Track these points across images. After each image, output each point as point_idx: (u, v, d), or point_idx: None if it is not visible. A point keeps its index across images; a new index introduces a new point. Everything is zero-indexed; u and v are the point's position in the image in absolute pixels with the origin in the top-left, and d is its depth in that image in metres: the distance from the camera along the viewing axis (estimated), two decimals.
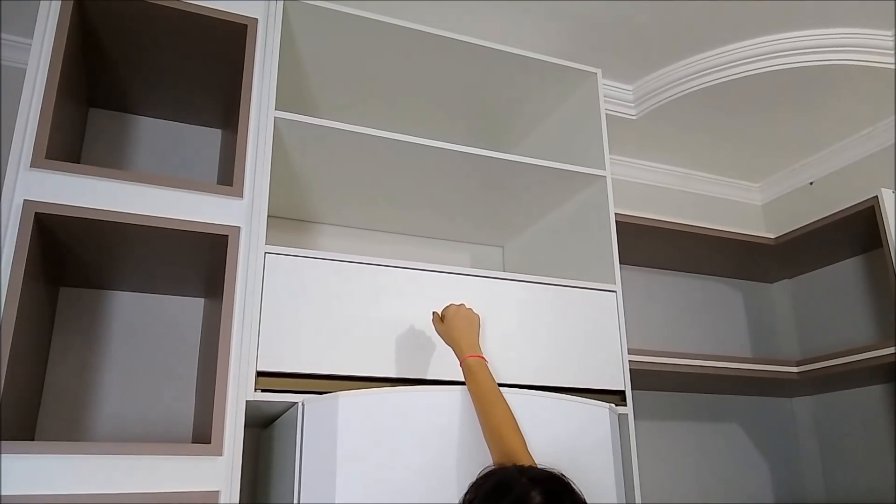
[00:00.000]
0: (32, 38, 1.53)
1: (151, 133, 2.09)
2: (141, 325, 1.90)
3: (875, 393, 2.48)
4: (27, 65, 1.51)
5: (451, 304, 1.58)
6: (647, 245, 2.45)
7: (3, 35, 2.01)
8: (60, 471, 1.30)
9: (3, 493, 1.25)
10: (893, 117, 2.53)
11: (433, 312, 1.61)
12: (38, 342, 1.67)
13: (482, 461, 1.31)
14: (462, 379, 1.47)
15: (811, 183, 2.87)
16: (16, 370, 1.38)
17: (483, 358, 1.48)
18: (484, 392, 1.42)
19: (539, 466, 1.21)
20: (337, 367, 1.55)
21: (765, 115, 2.56)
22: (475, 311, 1.58)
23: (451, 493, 1.35)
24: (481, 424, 1.41)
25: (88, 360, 1.83)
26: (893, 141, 2.55)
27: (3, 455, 1.27)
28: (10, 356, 1.31)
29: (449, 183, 2.01)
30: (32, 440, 1.66)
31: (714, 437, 2.61)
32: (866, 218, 2.20)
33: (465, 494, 1.15)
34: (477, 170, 1.95)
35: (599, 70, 2.15)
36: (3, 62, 2.02)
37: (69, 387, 1.79)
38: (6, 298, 1.34)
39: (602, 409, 1.65)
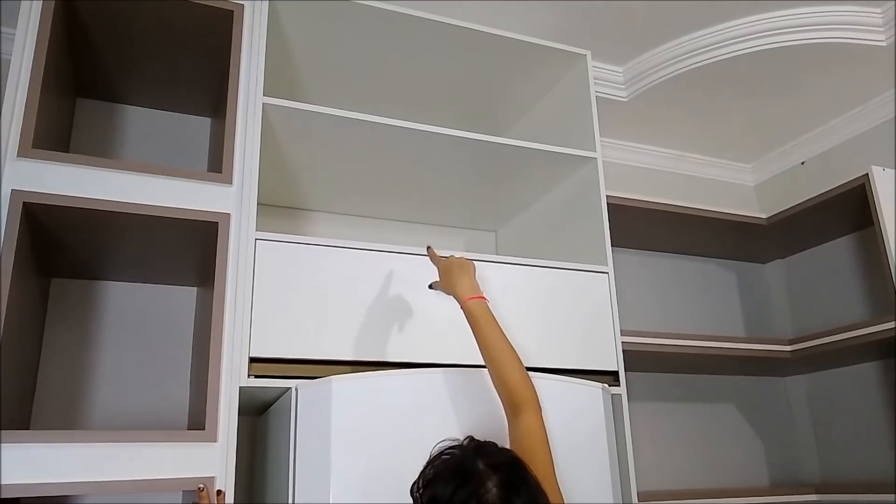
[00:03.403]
0: (16, 28, 1.52)
1: (140, 122, 2.08)
2: (134, 315, 1.90)
3: (868, 370, 2.49)
4: (11, 55, 1.50)
5: (441, 258, 1.58)
6: (640, 227, 2.45)
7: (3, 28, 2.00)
8: (56, 459, 1.30)
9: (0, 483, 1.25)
10: (883, 95, 2.53)
11: (428, 248, 1.61)
12: (31, 333, 1.67)
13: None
14: (455, 360, 1.48)
15: (803, 163, 2.87)
16: (9, 361, 1.38)
17: (482, 297, 1.46)
18: (489, 339, 1.40)
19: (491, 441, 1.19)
20: (330, 351, 1.56)
21: (756, 95, 2.55)
22: (467, 258, 1.57)
23: None
24: (490, 373, 1.39)
25: (82, 350, 1.83)
26: (884, 119, 2.55)
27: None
28: (1, 347, 1.31)
29: (441, 168, 2.01)
30: (28, 430, 1.66)
31: (708, 418, 2.62)
32: (857, 196, 2.20)
33: (424, 468, 1.13)
34: (468, 154, 1.95)
35: (589, 52, 2.15)
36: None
37: (63, 377, 1.79)
38: None
39: (595, 388, 1.66)
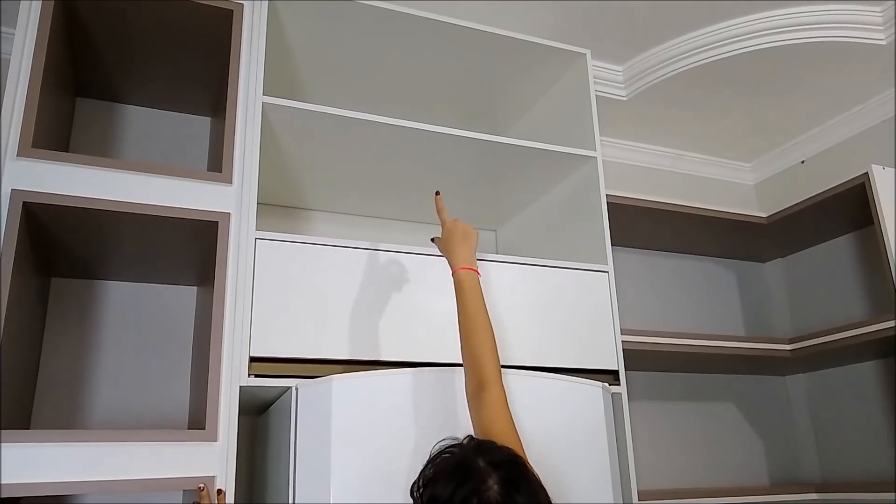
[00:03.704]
0: (16, 27, 1.52)
1: (140, 122, 2.08)
2: (134, 314, 1.90)
3: (867, 369, 2.49)
4: (11, 55, 1.50)
5: (445, 218, 1.58)
6: (640, 226, 2.45)
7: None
8: (56, 458, 1.30)
9: (0, 482, 1.26)
10: (883, 94, 2.53)
11: (438, 200, 1.61)
12: (32, 333, 1.67)
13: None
14: (455, 361, 1.48)
15: (803, 162, 2.87)
16: (9, 360, 1.38)
17: (475, 270, 1.47)
18: (470, 311, 1.41)
19: (485, 439, 1.19)
20: (330, 351, 1.56)
21: (755, 94, 2.55)
22: (473, 227, 1.56)
23: None
24: (461, 345, 1.39)
25: (82, 349, 1.83)
26: (884, 118, 2.55)
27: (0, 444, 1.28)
28: (2, 347, 1.31)
29: (440, 167, 2.01)
30: (28, 429, 1.66)
31: (708, 417, 2.62)
32: (857, 195, 2.20)
33: (424, 467, 1.12)
34: (468, 153, 1.95)
35: (589, 51, 2.15)
36: None
37: (64, 376, 1.79)
38: None
39: (595, 388, 1.66)
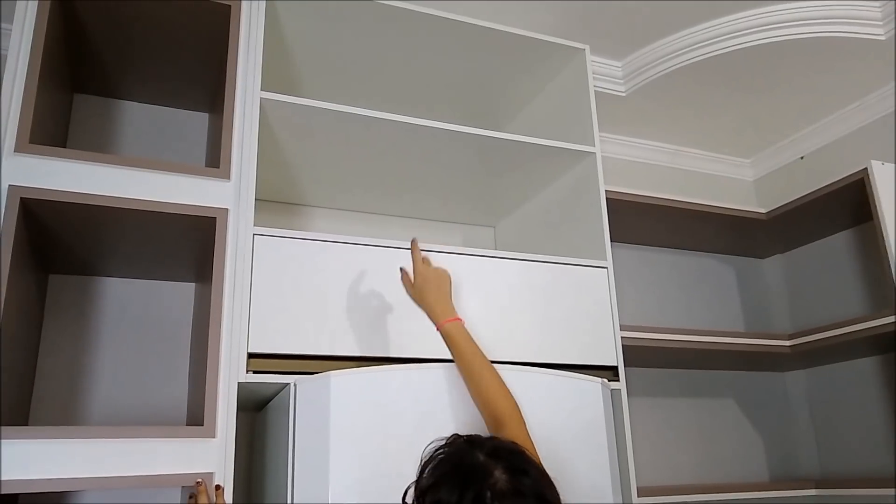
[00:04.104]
0: (13, 23, 1.52)
1: (138, 118, 2.07)
2: (132, 311, 1.90)
3: (867, 365, 2.49)
4: (7, 50, 1.49)
5: (418, 265, 1.55)
6: (639, 222, 2.45)
7: None
8: (55, 455, 1.30)
9: None
10: (883, 90, 2.52)
11: (401, 269, 1.58)
12: (29, 329, 1.67)
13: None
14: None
15: (802, 157, 2.87)
16: (7, 357, 1.38)
17: (459, 319, 1.47)
18: (467, 358, 1.41)
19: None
20: (328, 347, 1.56)
21: (754, 89, 2.55)
22: (443, 268, 1.55)
23: None
24: (469, 391, 1.40)
25: (80, 346, 1.83)
26: (883, 114, 2.55)
27: None
28: (1, 343, 1.31)
29: (439, 163, 2.01)
30: (26, 426, 1.66)
31: (707, 413, 2.62)
32: (856, 190, 2.20)
33: (420, 477, 1.07)
34: (467, 149, 1.95)
35: (587, 46, 2.15)
36: None
37: (62, 373, 1.79)
38: None
39: (595, 383, 1.66)
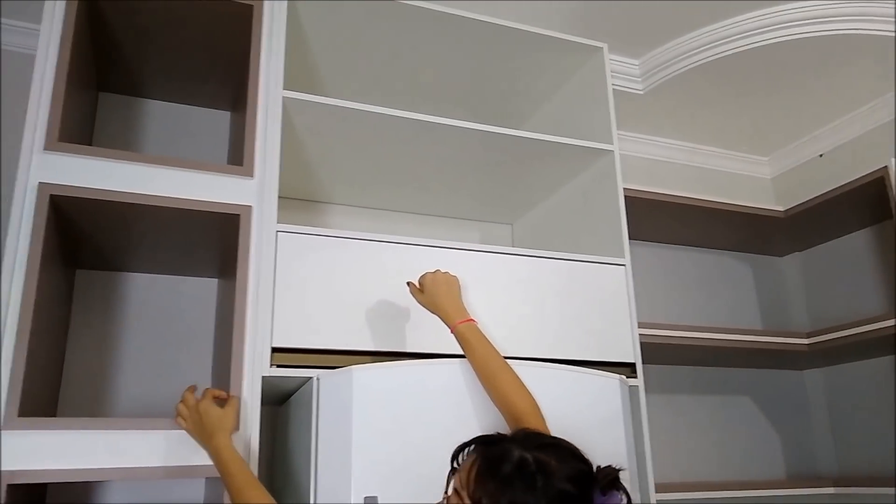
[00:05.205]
0: (41, 24, 1.55)
1: (161, 116, 2.10)
2: (157, 306, 1.93)
3: (886, 364, 2.48)
4: (36, 50, 1.52)
5: (426, 273, 1.57)
6: (657, 220, 2.45)
7: (13, 22, 2.03)
8: (82, 445, 1.33)
9: (27, 468, 1.28)
10: None
11: (408, 283, 1.59)
12: (58, 323, 1.70)
13: (496, 430, 1.32)
14: None
15: (821, 155, 2.85)
16: (36, 350, 1.41)
17: (472, 320, 1.48)
18: (483, 358, 1.42)
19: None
20: (350, 342, 1.58)
21: (773, 87, 2.54)
22: (452, 274, 1.57)
23: None
24: (487, 391, 1.41)
25: (107, 340, 1.86)
26: None
27: (26, 431, 1.30)
28: (30, 337, 1.34)
29: (458, 161, 2.02)
30: (54, 416, 1.70)
31: (725, 411, 2.62)
32: (876, 189, 2.19)
33: (483, 481, 1.02)
34: (485, 146, 1.96)
35: (606, 45, 2.15)
36: (12, 49, 2.03)
37: (89, 365, 1.83)
38: (25, 281, 1.36)
39: (613, 380, 1.66)
